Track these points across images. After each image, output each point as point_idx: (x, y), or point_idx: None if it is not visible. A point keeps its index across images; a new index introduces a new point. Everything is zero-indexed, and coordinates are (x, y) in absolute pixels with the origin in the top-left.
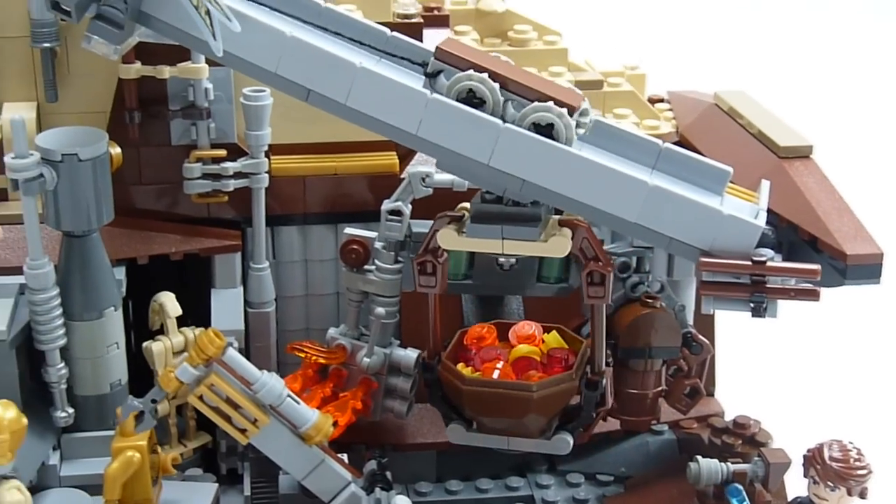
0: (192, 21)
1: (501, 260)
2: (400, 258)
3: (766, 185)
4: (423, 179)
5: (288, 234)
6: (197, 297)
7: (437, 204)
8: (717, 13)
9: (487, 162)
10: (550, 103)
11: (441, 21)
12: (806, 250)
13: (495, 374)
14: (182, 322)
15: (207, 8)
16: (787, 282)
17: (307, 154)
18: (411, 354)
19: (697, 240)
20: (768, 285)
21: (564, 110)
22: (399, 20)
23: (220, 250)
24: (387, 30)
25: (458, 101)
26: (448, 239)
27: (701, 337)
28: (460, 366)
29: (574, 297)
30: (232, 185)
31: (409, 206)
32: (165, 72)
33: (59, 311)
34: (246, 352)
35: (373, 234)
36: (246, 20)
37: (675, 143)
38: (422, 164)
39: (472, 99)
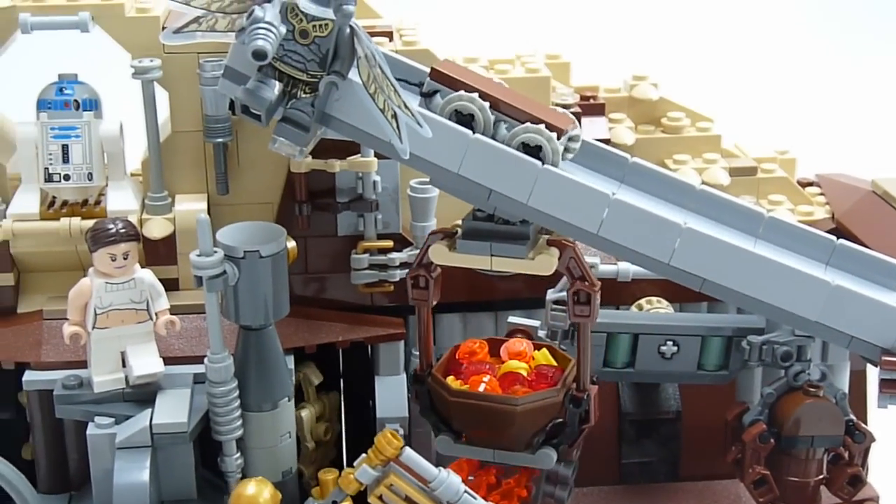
0: (378, 124)
1: (664, 348)
2: (563, 346)
3: None
4: None
5: (449, 321)
6: (360, 385)
7: (601, 294)
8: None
9: (668, 262)
10: (541, 126)
11: (597, 109)
12: None
13: (481, 388)
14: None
15: (394, 111)
16: None
17: None
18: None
19: (879, 338)
20: None
21: (554, 134)
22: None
23: (385, 339)
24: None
25: (450, 119)
26: (439, 254)
27: (863, 425)
28: (450, 379)
29: (730, 383)
30: (398, 275)
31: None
32: (336, 165)
33: (238, 402)
34: (408, 438)
35: (535, 323)
36: (430, 122)
37: (832, 230)
38: (587, 255)
39: (464, 118)
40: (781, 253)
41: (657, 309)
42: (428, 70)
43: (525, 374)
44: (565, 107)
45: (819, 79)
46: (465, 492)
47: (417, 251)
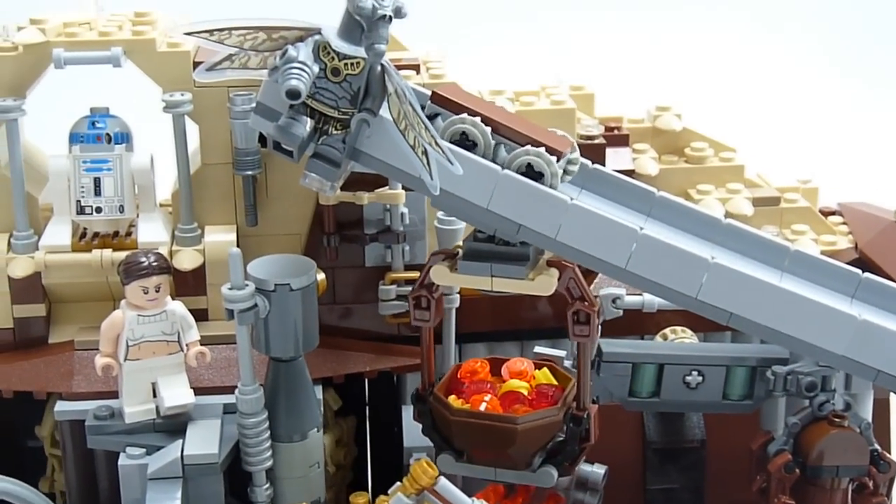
0: (409, 160)
1: (688, 378)
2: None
3: None
4: (614, 301)
5: (475, 350)
6: (387, 413)
7: (626, 325)
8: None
9: (696, 296)
10: (541, 149)
11: (622, 140)
12: None
13: (482, 407)
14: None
15: (424, 148)
16: None
17: None
18: (598, 471)
19: None
20: None
21: (554, 158)
22: (582, 141)
23: (412, 368)
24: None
25: (451, 142)
26: (441, 275)
27: (888, 455)
28: (451, 398)
29: (754, 413)
30: None
31: (599, 328)
32: (364, 198)
33: (268, 433)
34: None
35: (561, 353)
36: (460, 158)
37: (854, 261)
38: (612, 286)
39: (464, 141)
40: (807, 286)
41: (682, 339)
42: (427, 93)
43: (526, 392)
44: (590, 138)
45: (841, 108)
46: None
47: None
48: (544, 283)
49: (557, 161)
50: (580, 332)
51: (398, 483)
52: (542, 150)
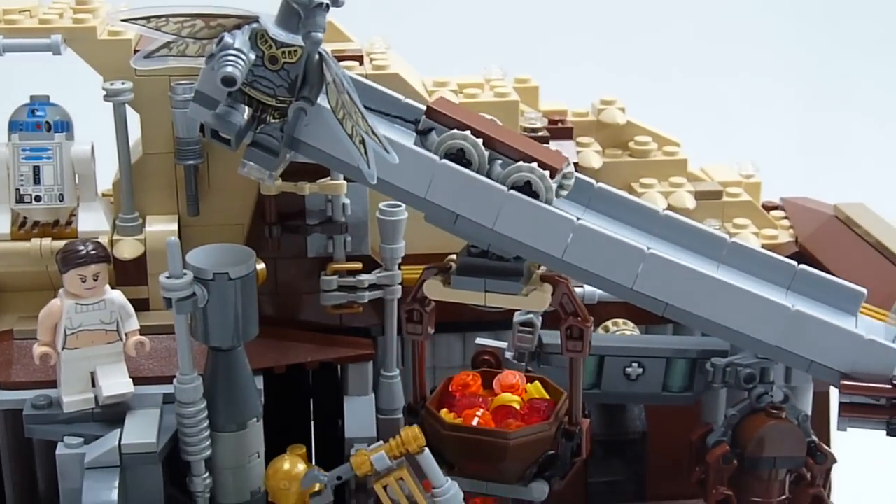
0: (346, 149)
1: (629, 370)
2: (530, 368)
3: None
4: None
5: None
6: (329, 404)
7: None
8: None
9: (632, 286)
10: (534, 164)
11: (565, 133)
12: None
13: (475, 421)
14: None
15: (362, 137)
16: None
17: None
18: None
19: (838, 363)
20: None
21: (547, 172)
22: (526, 133)
23: (354, 359)
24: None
25: (446, 157)
26: (434, 289)
27: (825, 447)
28: (443, 412)
29: (696, 404)
30: (367, 296)
31: (540, 318)
32: (305, 188)
33: (206, 423)
34: None
35: (503, 345)
36: (397, 148)
37: (795, 254)
38: None
39: (460, 157)
40: (743, 278)
41: (623, 331)
42: (422, 107)
43: (518, 406)
44: (533, 130)
45: (786, 104)
46: None
47: (386, 273)
48: (538, 299)
49: (552, 177)
50: (573, 347)
51: (381, 442)
52: (539, 167)
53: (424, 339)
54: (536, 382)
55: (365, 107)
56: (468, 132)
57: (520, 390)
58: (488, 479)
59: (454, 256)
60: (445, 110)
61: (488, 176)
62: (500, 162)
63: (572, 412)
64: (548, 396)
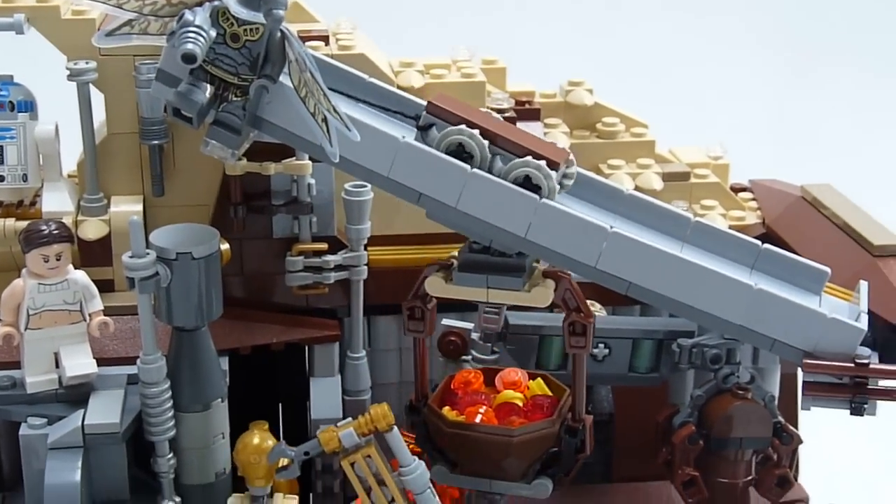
0: (308, 127)
1: (595, 351)
2: (496, 349)
3: (864, 286)
4: None
5: (384, 323)
6: (295, 385)
7: None
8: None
9: (595, 265)
10: (537, 160)
11: (533, 114)
12: None
13: (478, 419)
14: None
15: (325, 115)
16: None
17: (404, 245)
18: None
19: (801, 341)
20: (869, 386)
21: (544, 162)
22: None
23: (320, 340)
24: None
25: (447, 153)
26: (435, 286)
27: (791, 427)
28: (446, 409)
29: (663, 386)
30: (333, 277)
31: None
32: (270, 168)
33: (170, 403)
34: None
35: (469, 325)
36: (359, 126)
37: (762, 235)
38: None
39: (461, 153)
40: (707, 257)
41: None
42: (423, 103)
43: (520, 403)
44: (500, 111)
45: (754, 86)
46: (429, 489)
47: (352, 253)
48: (541, 295)
49: (556, 170)
50: (576, 343)
51: (350, 419)
52: (542, 163)
53: (426, 336)
54: (539, 379)
55: (364, 101)
56: (463, 126)
57: (522, 387)
58: (491, 476)
59: (456, 253)
60: (446, 106)
61: (489, 171)
62: (501, 157)
63: (575, 408)
64: (550, 393)
